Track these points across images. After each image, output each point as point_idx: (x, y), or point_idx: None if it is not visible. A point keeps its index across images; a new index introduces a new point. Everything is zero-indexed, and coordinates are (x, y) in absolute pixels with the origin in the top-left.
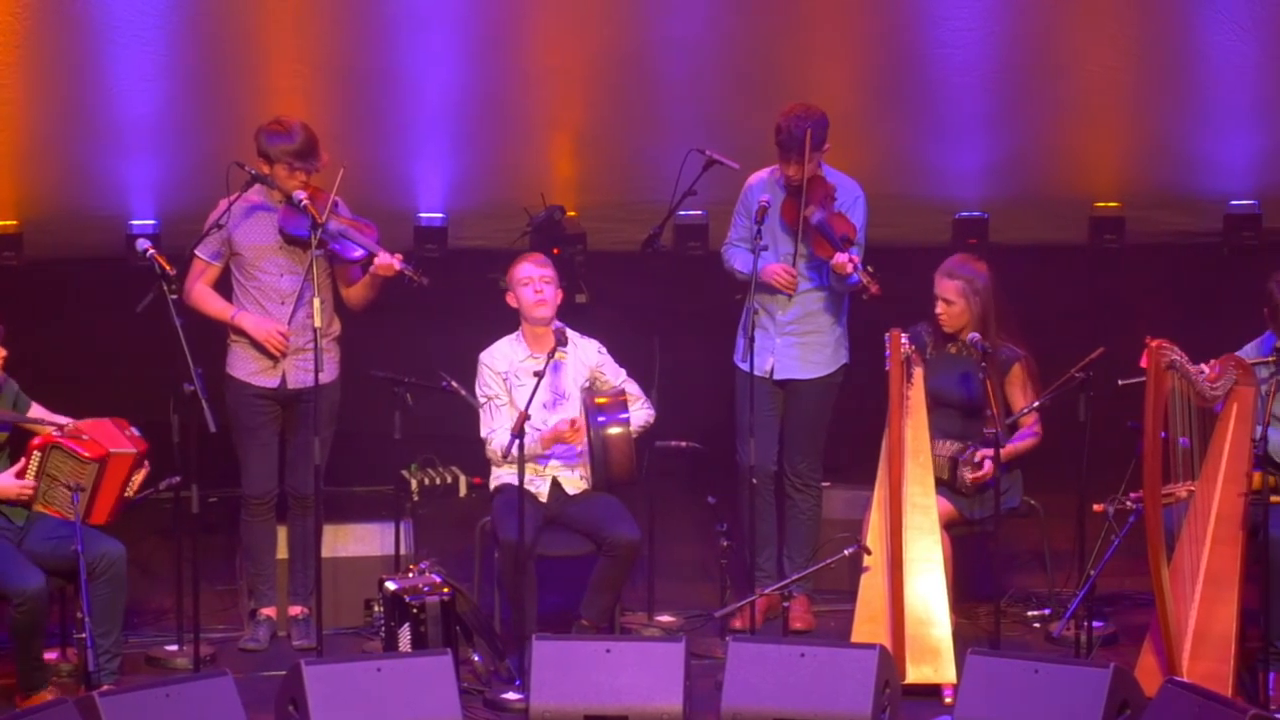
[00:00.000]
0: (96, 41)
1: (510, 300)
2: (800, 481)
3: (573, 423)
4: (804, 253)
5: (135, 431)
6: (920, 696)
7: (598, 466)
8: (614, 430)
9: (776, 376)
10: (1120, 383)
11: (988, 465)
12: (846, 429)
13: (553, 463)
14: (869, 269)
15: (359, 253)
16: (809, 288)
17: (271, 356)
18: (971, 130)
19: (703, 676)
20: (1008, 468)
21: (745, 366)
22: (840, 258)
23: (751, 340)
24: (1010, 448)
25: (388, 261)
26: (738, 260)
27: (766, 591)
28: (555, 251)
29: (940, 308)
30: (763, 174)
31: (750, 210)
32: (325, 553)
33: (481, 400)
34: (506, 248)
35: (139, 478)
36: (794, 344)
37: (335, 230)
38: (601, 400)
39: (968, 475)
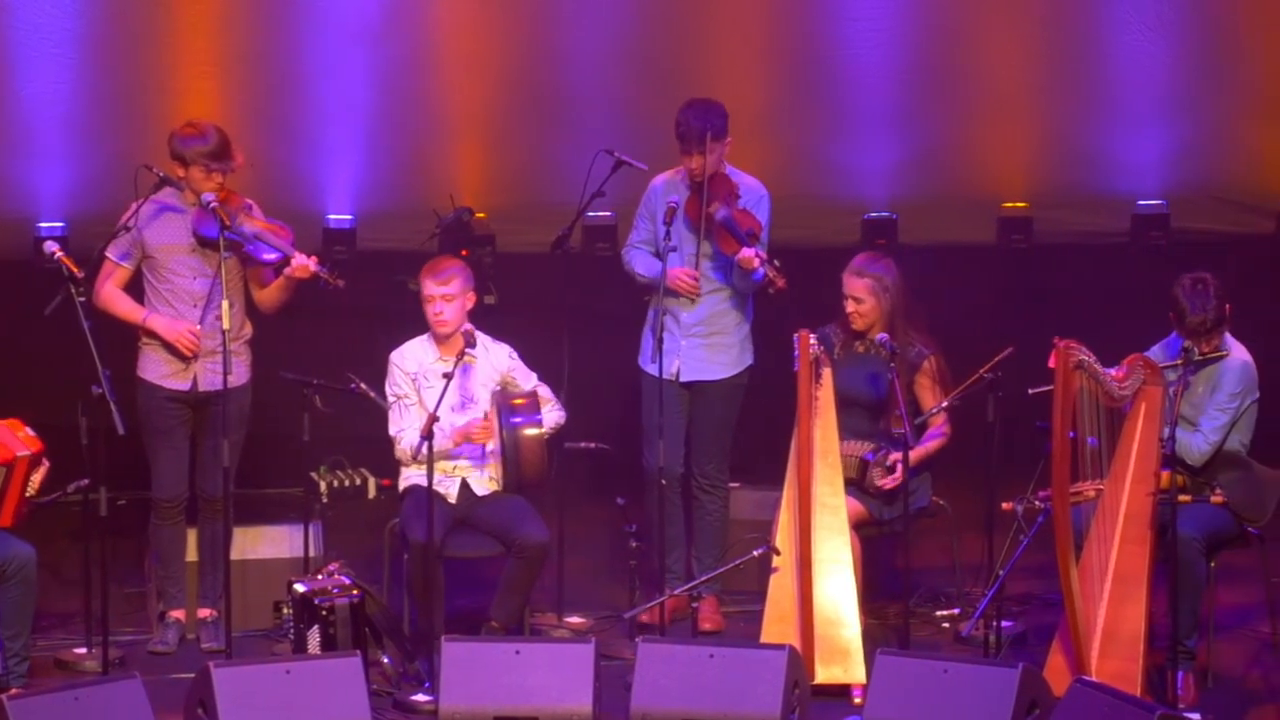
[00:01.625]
0: (2, 45)
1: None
2: (708, 483)
3: (483, 419)
4: (708, 251)
5: (30, 431)
6: (829, 697)
7: (509, 468)
8: (527, 432)
9: (683, 379)
10: (1030, 391)
11: (898, 470)
12: (756, 430)
13: (461, 464)
14: (775, 263)
15: (273, 255)
16: (714, 289)
17: (183, 358)
18: (880, 131)
19: (612, 677)
20: (918, 468)
21: (652, 369)
22: (746, 252)
23: (660, 342)
24: (919, 449)
25: (303, 264)
26: (638, 263)
27: (676, 592)
28: (464, 253)
29: (850, 306)
30: (666, 175)
31: (654, 212)
32: (234, 555)
33: (391, 400)
34: (416, 249)
35: (38, 477)
36: (699, 346)
37: (250, 233)
38: (515, 402)
39: (878, 480)
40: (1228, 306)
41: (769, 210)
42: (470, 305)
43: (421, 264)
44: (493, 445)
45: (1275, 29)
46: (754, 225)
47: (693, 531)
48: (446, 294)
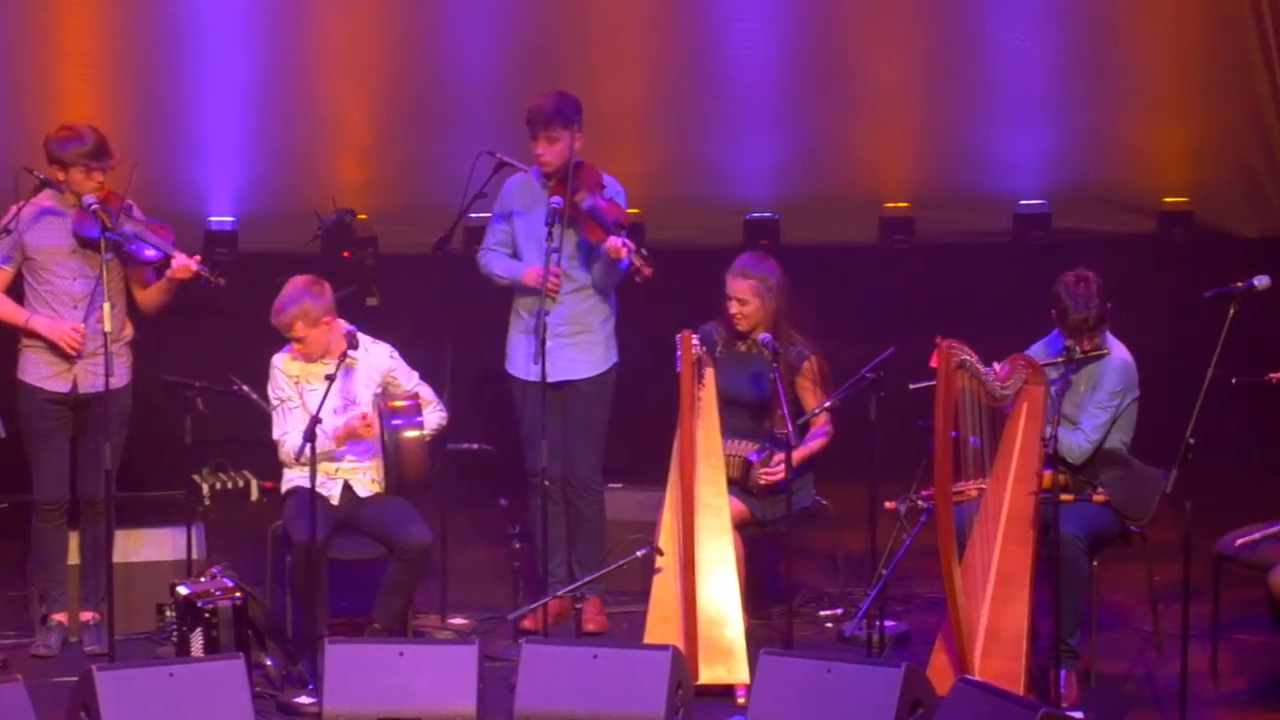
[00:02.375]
0: None
1: None
2: (582, 488)
3: (364, 417)
4: (573, 239)
5: None
6: (713, 697)
7: (391, 469)
8: (408, 434)
9: (552, 379)
10: (911, 387)
11: (781, 467)
12: (639, 431)
13: (344, 465)
14: (642, 251)
15: (155, 255)
16: (577, 287)
17: (66, 358)
18: (762, 131)
19: (496, 679)
20: (801, 468)
21: (520, 373)
22: (614, 241)
23: (542, 344)
24: (803, 449)
25: (185, 264)
26: (496, 265)
27: (559, 593)
28: (346, 255)
29: (734, 307)
30: (519, 176)
31: (508, 213)
32: (117, 558)
33: (274, 403)
34: (298, 251)
35: None
36: (566, 345)
37: (130, 233)
38: (395, 404)
39: (760, 478)
40: (1109, 304)
41: (625, 206)
42: (328, 325)
43: (304, 266)
44: (374, 446)
45: (1155, 29)
46: (621, 215)
47: (572, 535)
48: (295, 336)
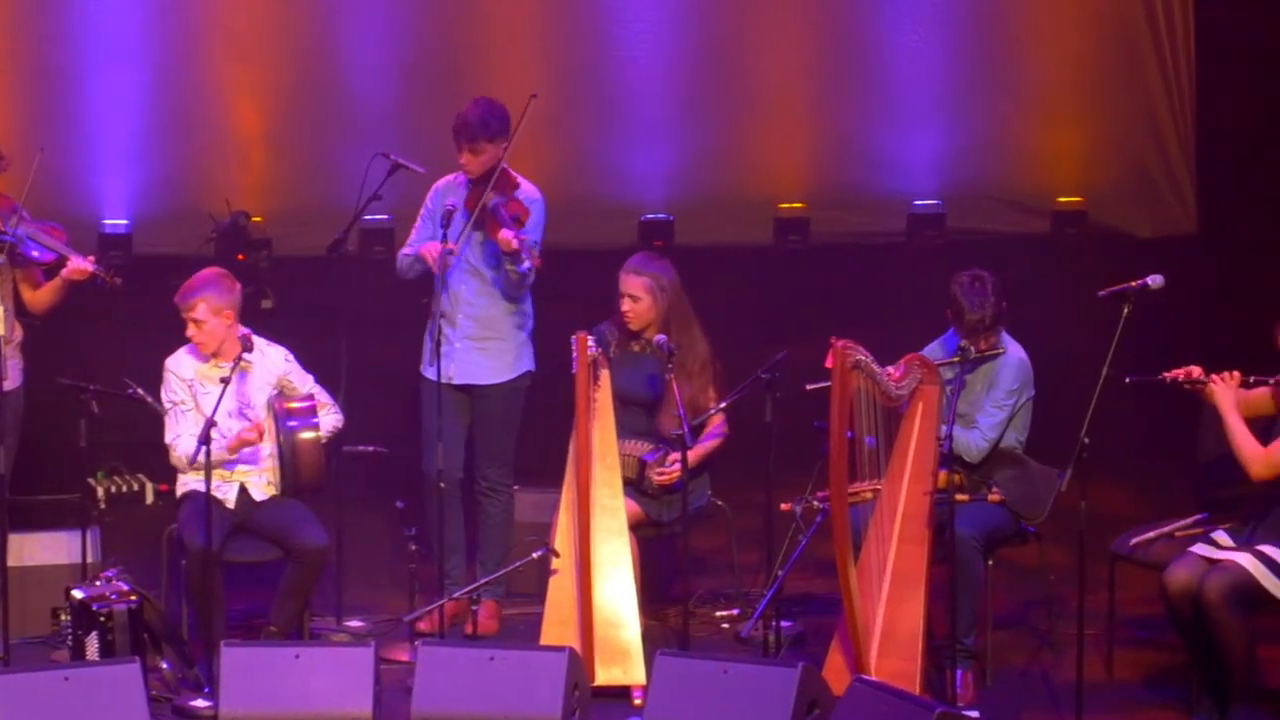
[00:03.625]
0: None
1: None
2: (488, 486)
3: (257, 428)
4: (480, 253)
5: None
6: (610, 698)
7: (286, 472)
8: (304, 436)
9: (458, 382)
10: (807, 387)
11: (677, 467)
12: (535, 432)
13: (239, 468)
14: (528, 242)
15: (47, 256)
16: (489, 293)
17: None
18: (656, 132)
19: (392, 681)
20: (696, 469)
21: (429, 373)
22: (505, 233)
23: (438, 345)
24: (698, 449)
25: (81, 265)
26: (405, 257)
27: (456, 595)
28: (240, 258)
29: (626, 305)
30: (448, 177)
31: (434, 213)
32: (11, 561)
33: (167, 406)
34: (193, 254)
35: None
36: (474, 349)
37: (23, 234)
38: (291, 406)
39: (655, 477)
40: (1004, 304)
41: (542, 214)
42: (229, 321)
43: (199, 269)
44: (270, 449)
45: (1049, 30)
46: (521, 211)
47: (476, 535)
48: (194, 318)
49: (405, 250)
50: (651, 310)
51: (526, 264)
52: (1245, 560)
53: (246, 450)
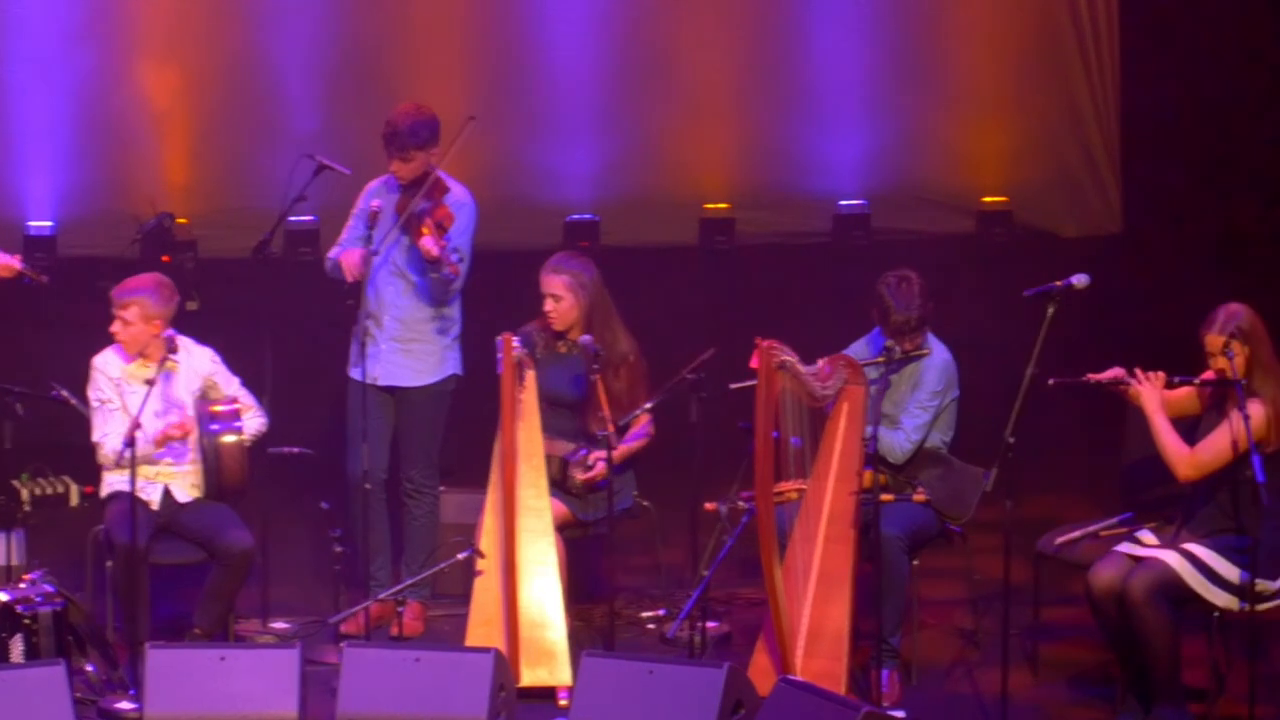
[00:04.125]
0: None
1: None
2: (413, 488)
3: (181, 425)
4: (406, 256)
5: None
6: (536, 699)
7: (210, 475)
8: (227, 439)
9: (383, 383)
10: (732, 386)
11: (599, 466)
12: (460, 433)
13: (164, 470)
14: (456, 254)
15: None
16: (414, 296)
17: None
18: (582, 133)
19: (318, 682)
20: (621, 469)
21: (355, 374)
22: (426, 242)
23: (363, 346)
24: (622, 449)
25: (6, 262)
26: (331, 260)
27: (381, 597)
28: (166, 259)
29: (549, 305)
30: (381, 179)
31: (363, 213)
32: None
33: (95, 404)
34: (118, 256)
35: None
36: (398, 351)
37: None
38: (215, 409)
39: (578, 476)
40: (930, 305)
41: (471, 218)
42: (156, 331)
43: (124, 271)
44: (193, 452)
45: (974, 30)
46: (446, 218)
47: (401, 537)
48: (124, 318)
49: (333, 252)
50: (574, 309)
51: (446, 270)
52: (1170, 558)
53: (171, 445)
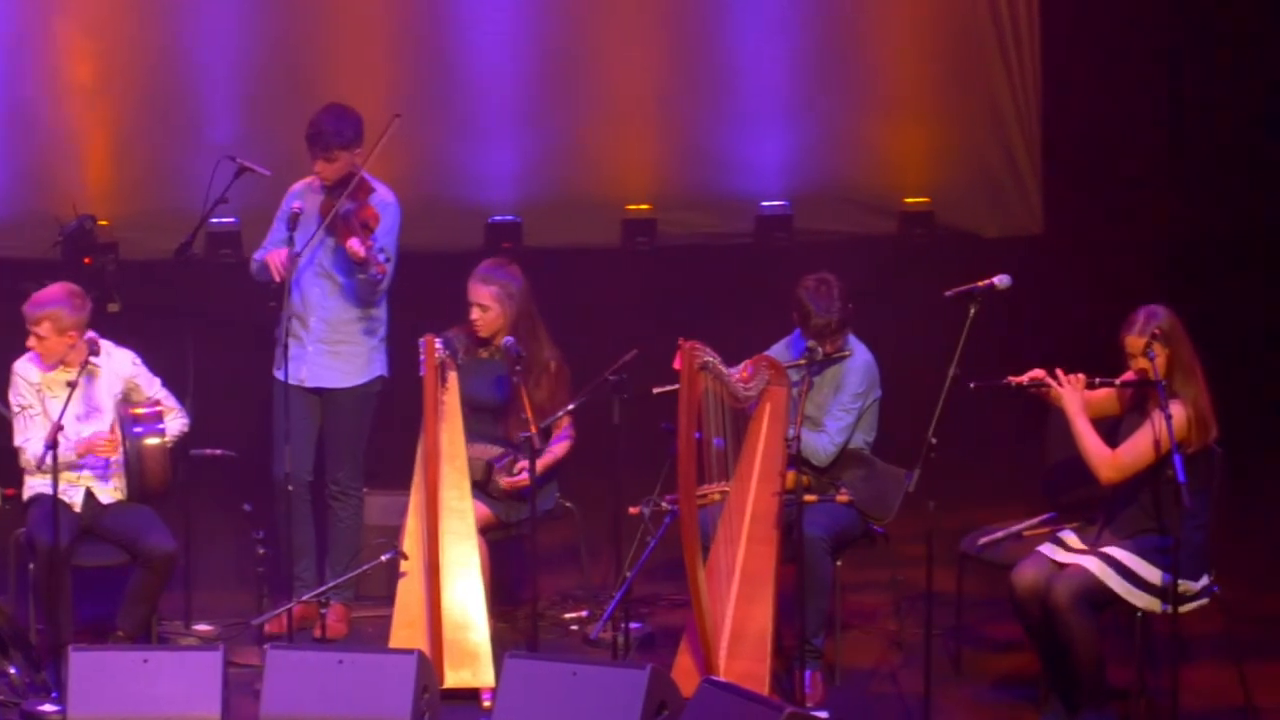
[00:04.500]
0: None
1: None
2: (339, 490)
3: (110, 437)
4: (331, 247)
5: None
6: (459, 700)
7: (133, 477)
8: (149, 441)
9: (309, 385)
10: (655, 391)
11: (524, 476)
12: (384, 435)
13: (86, 472)
14: (382, 255)
15: None
16: (340, 297)
17: None
18: (505, 133)
19: (241, 684)
20: (546, 476)
21: (280, 375)
22: (353, 242)
23: (286, 348)
24: (546, 457)
25: None
26: (256, 261)
27: (304, 599)
28: (87, 261)
29: (475, 313)
30: (305, 180)
31: (286, 216)
32: None
33: (15, 409)
34: (39, 258)
35: None
36: (325, 353)
37: None
38: (137, 411)
39: (503, 481)
40: (850, 307)
41: (395, 218)
42: (72, 341)
43: (45, 273)
44: (118, 456)
45: (895, 31)
46: (371, 218)
47: (325, 539)
48: (38, 333)
49: (257, 254)
50: (500, 319)
51: (374, 270)
52: (1091, 564)
53: (93, 456)
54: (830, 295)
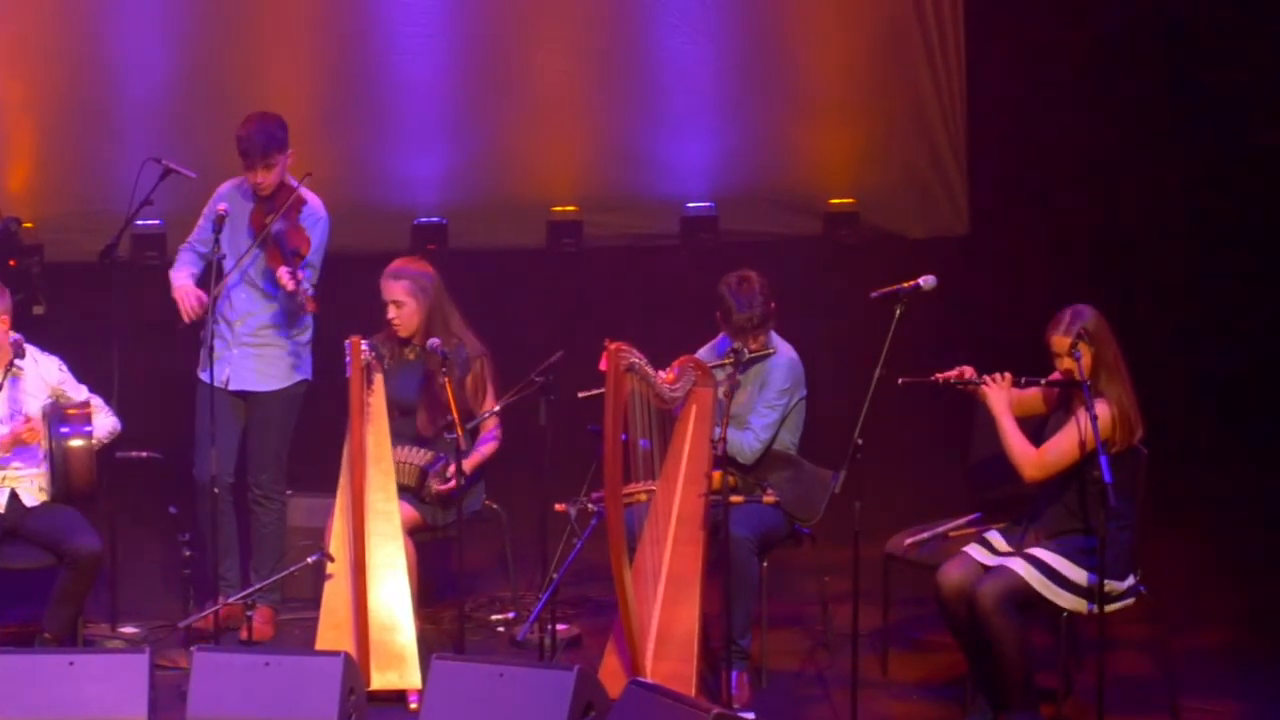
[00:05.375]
0: None
1: None
2: (262, 494)
3: (27, 420)
4: (262, 264)
5: None
6: (386, 703)
7: (58, 479)
8: (75, 443)
9: (232, 388)
10: (580, 395)
11: (454, 480)
12: (309, 437)
13: (10, 473)
14: (311, 288)
15: None
16: (267, 300)
17: None
18: (431, 136)
19: (168, 686)
20: (474, 476)
21: (204, 376)
22: (282, 272)
23: (211, 350)
24: (474, 456)
25: None
26: (177, 267)
27: (230, 601)
28: (12, 264)
29: (391, 311)
30: (234, 181)
31: (211, 218)
32: None
33: None
34: None
35: None
36: (250, 355)
37: None
38: (65, 412)
39: (436, 486)
40: (772, 304)
41: (325, 233)
42: (5, 325)
43: None
44: (41, 455)
45: (820, 32)
46: (301, 244)
47: (249, 542)
48: None
49: (175, 274)
50: (416, 314)
51: (301, 300)
52: (1017, 566)
53: (19, 450)
54: (752, 291)
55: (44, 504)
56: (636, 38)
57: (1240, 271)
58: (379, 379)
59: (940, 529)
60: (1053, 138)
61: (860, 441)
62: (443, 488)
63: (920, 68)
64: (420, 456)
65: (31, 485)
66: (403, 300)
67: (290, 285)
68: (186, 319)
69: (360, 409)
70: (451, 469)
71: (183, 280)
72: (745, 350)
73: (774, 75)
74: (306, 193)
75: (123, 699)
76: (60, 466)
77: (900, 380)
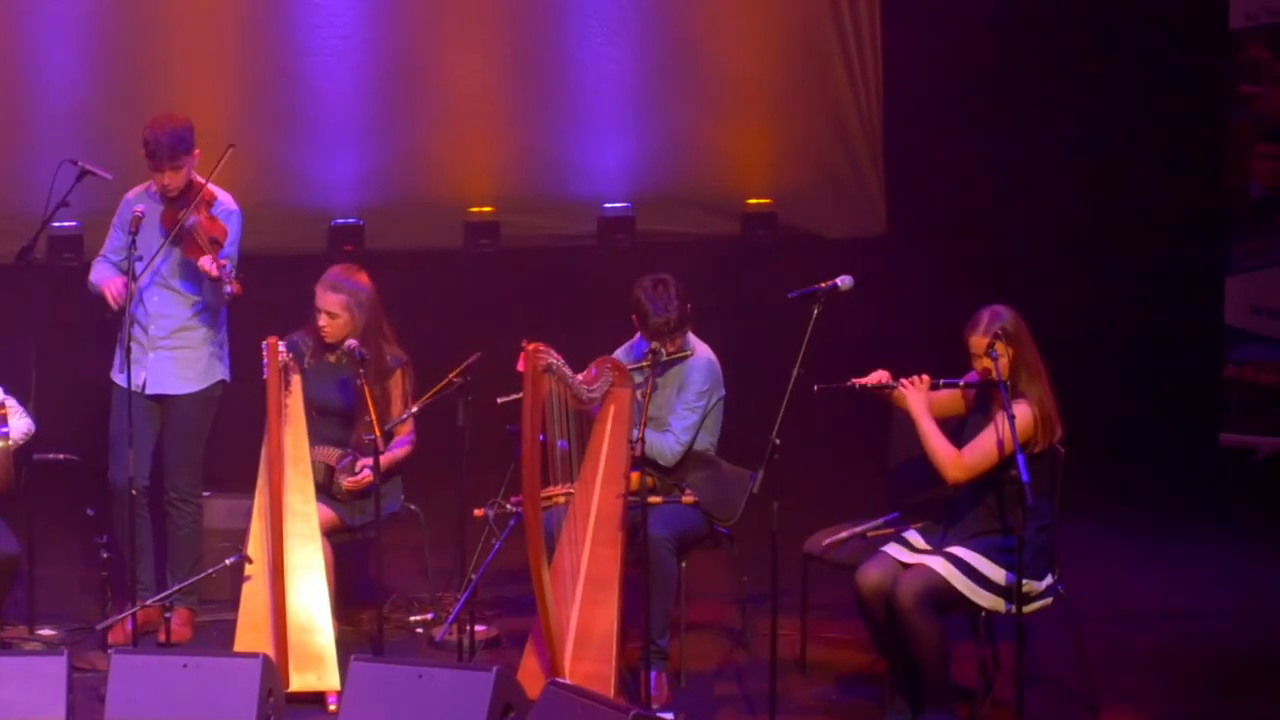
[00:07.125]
0: None
1: None
2: (178, 496)
3: None
4: (178, 259)
5: None
6: (304, 704)
7: None
8: None
9: (149, 391)
10: (499, 401)
11: (366, 473)
12: (227, 438)
13: None
14: (229, 269)
15: None
16: (182, 300)
17: None
18: (345, 136)
19: (86, 689)
20: (387, 475)
21: (120, 380)
22: (204, 260)
23: (128, 352)
24: (387, 457)
25: None
26: (94, 272)
27: (148, 603)
28: None
29: (323, 320)
30: (139, 188)
31: (125, 222)
32: None
33: None
34: None
35: None
36: (167, 358)
37: None
38: None
39: (344, 482)
40: (689, 306)
41: (239, 226)
42: None
43: None
44: None
45: (737, 33)
46: (218, 233)
47: (165, 544)
48: None
49: (94, 273)
50: (348, 326)
51: (228, 288)
52: (936, 564)
53: None
54: (668, 294)
55: None
56: (553, 39)
57: (1153, 272)
58: (296, 380)
59: (858, 529)
60: (970, 138)
61: (778, 441)
62: (351, 482)
63: (837, 68)
64: (329, 454)
65: None
66: (337, 314)
67: (214, 270)
68: (114, 305)
69: (278, 410)
70: (360, 464)
71: (103, 274)
72: (663, 352)
73: (691, 76)
74: (215, 188)
75: (41, 701)
76: None
77: (816, 388)
